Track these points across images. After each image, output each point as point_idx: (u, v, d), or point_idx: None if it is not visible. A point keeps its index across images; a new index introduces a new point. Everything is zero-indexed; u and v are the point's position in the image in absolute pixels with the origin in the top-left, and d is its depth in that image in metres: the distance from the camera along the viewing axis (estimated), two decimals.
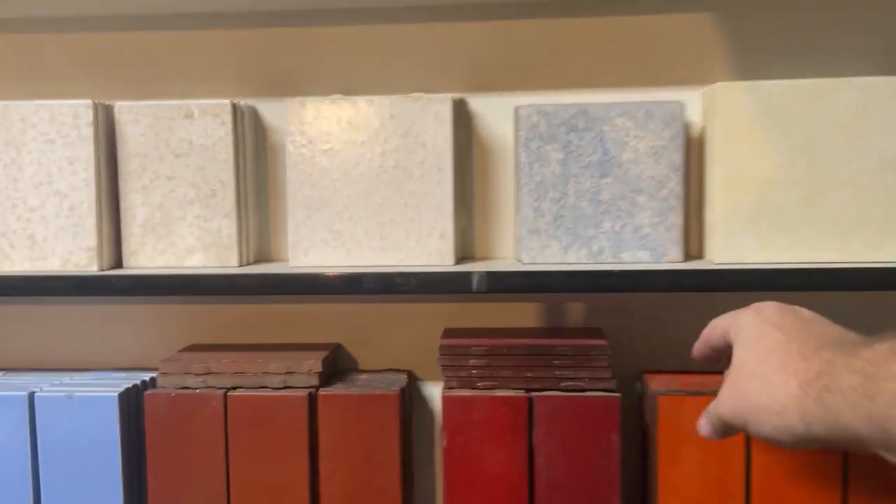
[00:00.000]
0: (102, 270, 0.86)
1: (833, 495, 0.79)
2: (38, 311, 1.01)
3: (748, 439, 0.81)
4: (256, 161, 0.94)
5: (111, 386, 0.88)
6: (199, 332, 0.98)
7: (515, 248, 0.90)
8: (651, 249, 0.84)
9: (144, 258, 0.88)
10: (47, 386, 0.89)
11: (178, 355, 0.91)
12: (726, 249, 0.83)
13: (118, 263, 0.89)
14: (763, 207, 0.81)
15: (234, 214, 0.87)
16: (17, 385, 0.89)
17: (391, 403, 0.84)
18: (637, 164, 0.84)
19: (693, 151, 0.89)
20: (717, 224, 0.83)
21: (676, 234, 0.84)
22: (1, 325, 1.02)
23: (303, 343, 0.95)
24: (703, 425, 0.60)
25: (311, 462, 0.84)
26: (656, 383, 0.86)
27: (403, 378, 0.92)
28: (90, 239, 0.85)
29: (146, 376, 0.93)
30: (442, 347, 0.85)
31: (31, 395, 0.86)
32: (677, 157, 0.83)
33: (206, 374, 0.86)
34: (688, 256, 0.86)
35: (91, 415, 0.85)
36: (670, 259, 0.84)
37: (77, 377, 0.94)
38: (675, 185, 0.84)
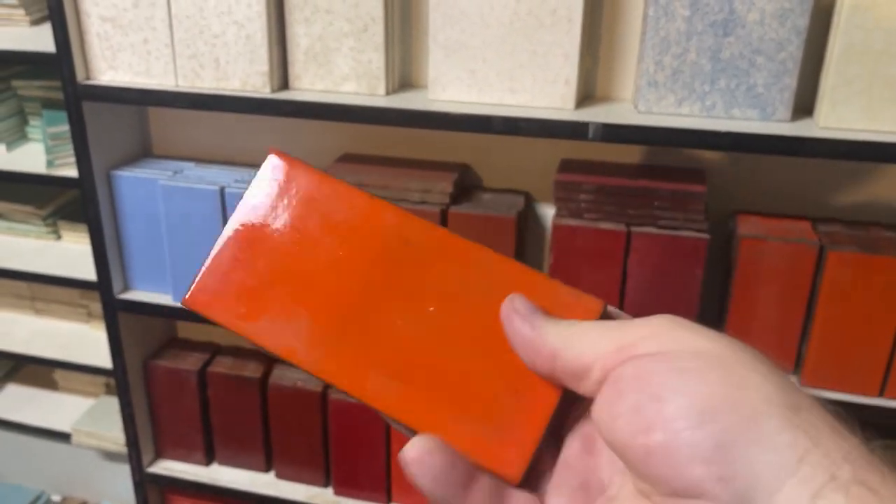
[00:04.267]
0: (273, 92, 1.01)
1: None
2: (222, 117, 1.19)
3: (813, 294, 0.92)
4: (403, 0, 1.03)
5: None
6: (351, 145, 1.15)
7: (633, 96, 0.97)
8: (761, 108, 0.90)
9: (307, 82, 1.02)
10: (233, 182, 1.09)
11: (333, 166, 1.08)
12: (835, 115, 0.88)
13: (285, 85, 1.04)
14: (877, 80, 0.84)
15: (382, 48, 0.98)
16: (210, 179, 1.11)
17: (509, 226, 1.00)
18: (761, 25, 0.87)
19: (816, 18, 0.90)
20: (830, 90, 0.87)
21: (788, 96, 0.89)
22: (194, 125, 1.22)
23: (437, 161, 1.10)
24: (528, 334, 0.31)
25: None
26: (745, 225, 0.97)
27: (521, 200, 1.06)
28: (263, 64, 1.00)
29: None
30: (556, 183, 0.97)
31: (222, 190, 1.08)
32: (802, 22, 0.86)
33: (358, 185, 1.03)
34: (795, 118, 0.91)
35: None
36: (778, 118, 0.90)
37: (254, 174, 1.14)
38: (795, 48, 0.87)
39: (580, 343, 0.28)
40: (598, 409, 0.27)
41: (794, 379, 0.98)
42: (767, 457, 0.23)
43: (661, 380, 0.25)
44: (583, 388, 0.28)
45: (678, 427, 0.24)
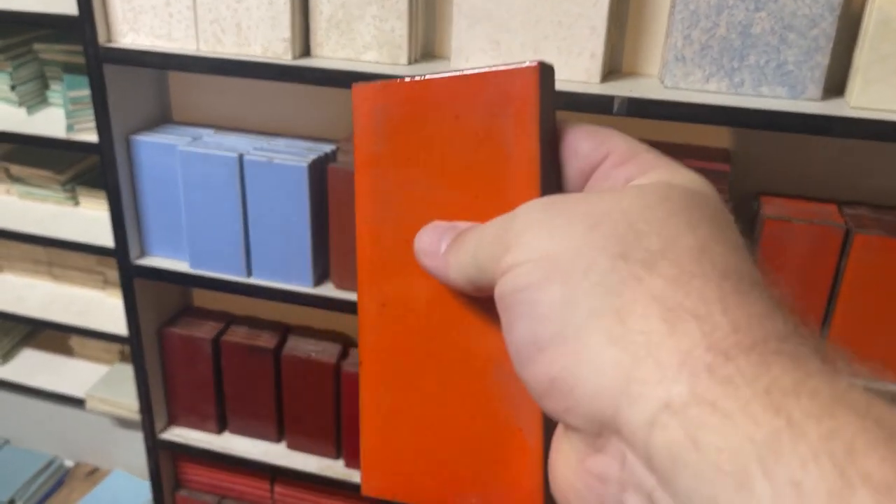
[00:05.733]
0: (295, 59, 1.01)
1: None
2: (243, 84, 1.18)
3: (839, 274, 0.91)
4: None
5: (301, 155, 1.07)
6: None
7: (660, 70, 0.96)
8: (791, 86, 0.88)
9: (329, 50, 1.01)
10: (252, 149, 1.09)
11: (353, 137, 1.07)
12: (867, 94, 0.86)
13: (307, 52, 1.03)
14: None
15: (405, 17, 0.97)
16: (228, 146, 1.10)
17: None
18: (794, 0, 0.85)
19: None
20: (863, 68, 0.85)
21: (819, 74, 0.87)
22: (214, 91, 1.21)
23: None
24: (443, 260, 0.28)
25: None
26: (770, 206, 0.95)
27: None
28: (286, 31, 0.99)
29: (328, 148, 1.11)
30: None
31: (241, 157, 1.07)
32: None
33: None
34: (826, 97, 0.89)
35: (286, 177, 1.06)
36: (808, 97, 0.88)
37: (273, 142, 1.13)
38: (828, 25, 0.85)
39: (478, 269, 0.25)
40: None
41: None
42: (596, 381, 0.20)
43: (507, 304, 0.23)
44: None
45: (521, 361, 0.23)
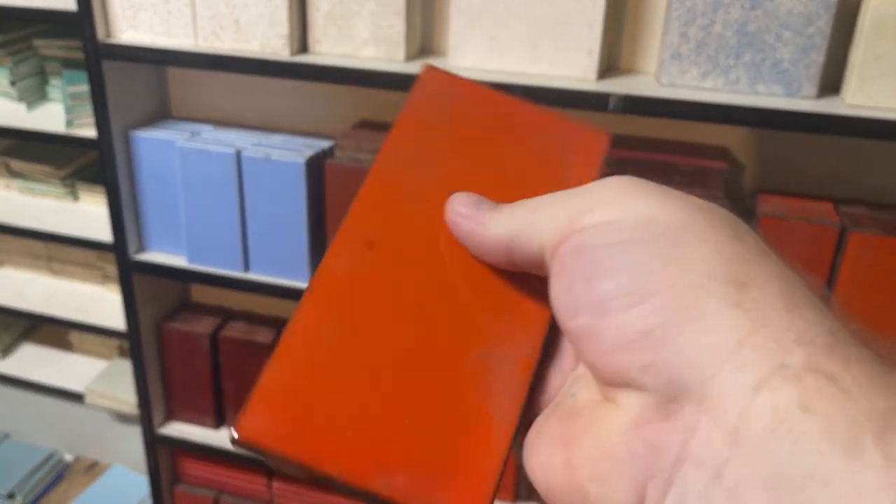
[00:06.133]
0: (292, 55, 1.01)
1: None
2: (241, 80, 1.19)
3: (835, 266, 0.91)
4: None
5: (299, 152, 1.07)
6: (369, 111, 1.14)
7: (657, 68, 0.96)
8: (786, 84, 0.88)
9: (326, 46, 1.02)
10: (250, 146, 1.09)
11: (351, 132, 1.08)
12: (863, 92, 0.86)
13: (304, 48, 1.03)
14: None
15: (403, 13, 0.97)
16: (227, 141, 1.10)
17: None
18: None
19: None
20: (859, 66, 0.85)
21: (815, 72, 0.87)
22: (212, 87, 1.21)
23: None
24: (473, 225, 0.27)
25: None
26: (766, 204, 0.95)
27: None
28: (283, 27, 0.99)
29: (325, 144, 1.11)
30: None
31: (239, 153, 1.07)
32: None
33: (375, 151, 1.03)
34: (822, 95, 0.90)
35: (284, 173, 1.06)
36: (804, 95, 0.88)
37: (271, 139, 1.14)
38: (823, 23, 0.85)
39: (530, 226, 0.25)
40: (550, 292, 0.24)
41: None
42: (700, 340, 0.20)
43: (595, 256, 0.22)
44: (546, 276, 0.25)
45: (603, 310, 0.21)
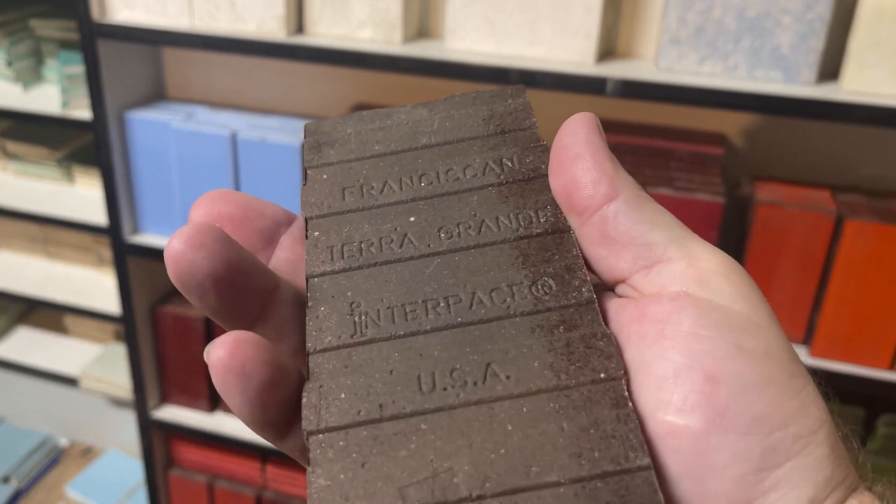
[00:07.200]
0: (289, 36, 1.00)
1: None
2: (237, 61, 1.18)
3: (831, 255, 0.90)
4: None
5: (294, 134, 1.06)
6: (365, 93, 1.13)
7: (655, 53, 0.95)
8: (785, 70, 0.88)
9: (323, 27, 1.01)
10: (245, 127, 1.08)
11: (347, 114, 1.07)
12: (862, 79, 0.85)
13: (300, 30, 1.02)
14: None
15: None
16: (222, 123, 1.10)
17: None
18: None
19: None
20: (858, 52, 0.85)
21: (814, 58, 0.87)
22: (208, 69, 1.21)
23: None
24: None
25: None
26: (763, 191, 0.95)
27: None
28: (279, 8, 0.99)
29: None
30: None
31: (234, 136, 1.07)
32: None
33: None
34: (820, 81, 0.89)
35: (279, 156, 1.05)
36: (803, 81, 0.88)
37: (267, 121, 1.13)
38: (823, 8, 0.84)
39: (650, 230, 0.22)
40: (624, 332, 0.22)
41: (804, 350, 0.97)
42: (798, 492, 0.19)
43: (718, 351, 0.20)
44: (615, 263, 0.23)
45: (723, 426, 0.19)
